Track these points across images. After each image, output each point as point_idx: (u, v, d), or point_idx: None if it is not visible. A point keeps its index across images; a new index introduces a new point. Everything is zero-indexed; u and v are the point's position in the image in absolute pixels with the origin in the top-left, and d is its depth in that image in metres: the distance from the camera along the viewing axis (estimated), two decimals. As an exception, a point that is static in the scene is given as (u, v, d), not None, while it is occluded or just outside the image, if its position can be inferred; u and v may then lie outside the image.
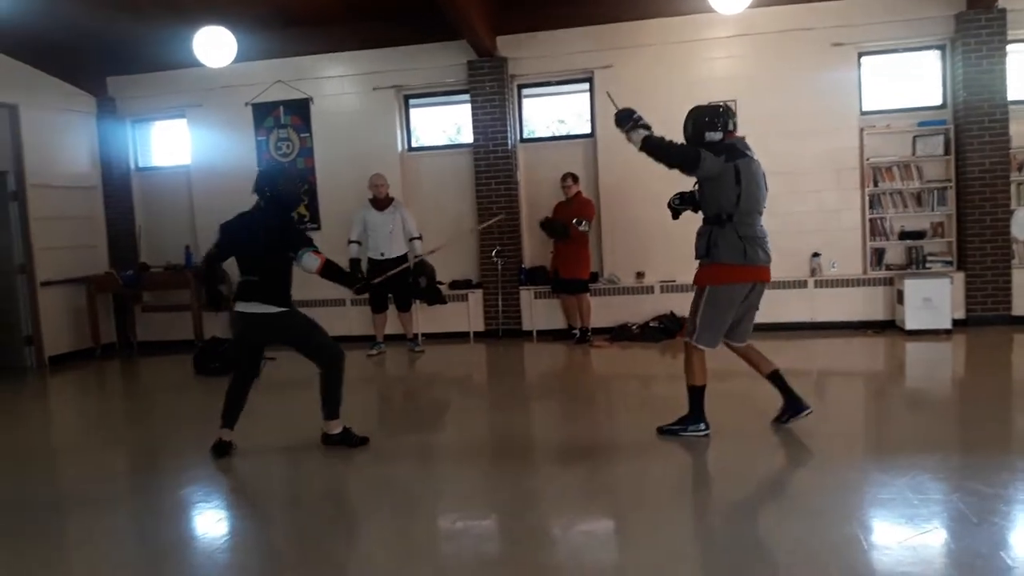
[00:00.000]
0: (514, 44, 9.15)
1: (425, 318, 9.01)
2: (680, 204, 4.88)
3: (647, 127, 4.54)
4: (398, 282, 8.30)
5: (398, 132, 9.56)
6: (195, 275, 9.30)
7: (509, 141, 9.16)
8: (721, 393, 5.18)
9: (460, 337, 9.28)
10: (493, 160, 9.11)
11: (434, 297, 8.47)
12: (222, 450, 4.77)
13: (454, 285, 9.32)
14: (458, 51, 9.09)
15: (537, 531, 3.49)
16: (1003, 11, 8.03)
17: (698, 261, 4.61)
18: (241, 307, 4.61)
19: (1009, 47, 8.10)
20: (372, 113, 9.53)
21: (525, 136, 9.53)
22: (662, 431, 4.77)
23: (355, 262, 8.39)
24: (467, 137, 9.42)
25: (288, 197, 4.74)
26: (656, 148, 4.48)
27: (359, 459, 4.72)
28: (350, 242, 8.45)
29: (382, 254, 8.30)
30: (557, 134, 9.68)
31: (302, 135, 9.69)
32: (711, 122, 4.50)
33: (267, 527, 3.85)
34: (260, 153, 9.80)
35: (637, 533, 3.43)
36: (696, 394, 4.69)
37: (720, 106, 4.64)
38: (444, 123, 10.00)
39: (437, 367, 8.19)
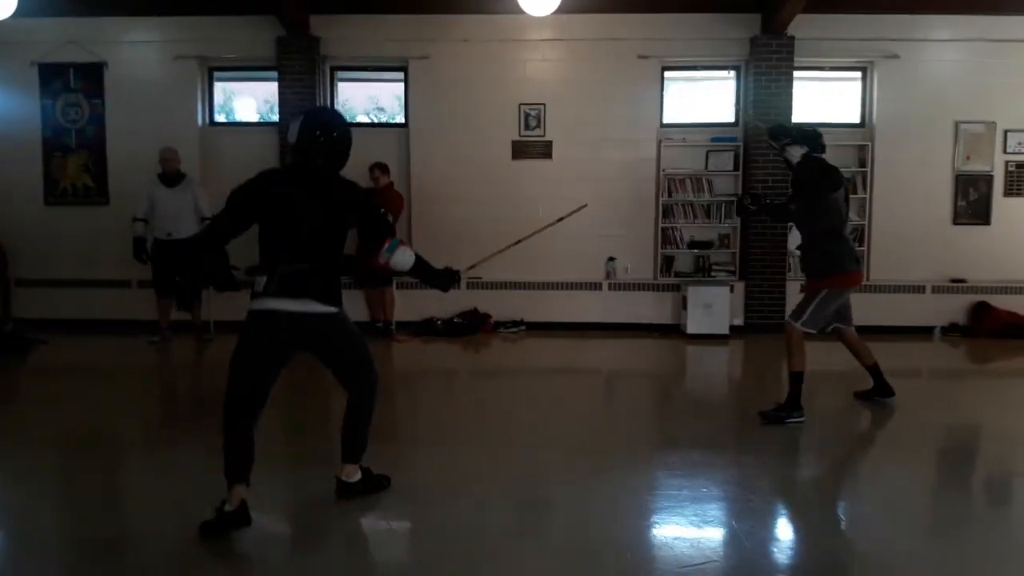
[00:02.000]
0: (328, 24, 8.86)
1: (223, 307, 8.59)
2: (753, 206, 5.34)
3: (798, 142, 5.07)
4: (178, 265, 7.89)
5: (199, 105, 9.04)
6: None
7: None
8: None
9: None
10: (301, 143, 8.79)
11: (225, 282, 8.07)
12: (233, 521, 3.20)
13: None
14: (268, 26, 8.70)
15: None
16: (792, 38, 8.54)
17: (817, 271, 5.01)
18: (280, 305, 3.22)
19: (796, 73, 8.63)
20: (172, 83, 8.96)
21: (338, 121, 9.25)
22: (766, 418, 4.94)
23: (139, 240, 7.90)
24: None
25: (347, 151, 3.41)
26: (814, 163, 4.97)
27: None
28: (135, 220, 7.91)
29: (169, 234, 7.82)
30: (372, 121, 9.48)
31: (92, 101, 8.97)
32: (819, 144, 4.99)
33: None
34: (46, 118, 9.01)
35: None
36: (796, 380, 4.94)
37: (817, 130, 5.10)
38: (255, 100, 9.58)
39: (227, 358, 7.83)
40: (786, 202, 5.25)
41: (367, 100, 9.71)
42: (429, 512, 3.59)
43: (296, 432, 5.05)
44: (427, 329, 8.61)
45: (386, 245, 3.44)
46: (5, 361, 7.25)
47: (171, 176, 7.95)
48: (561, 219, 5.03)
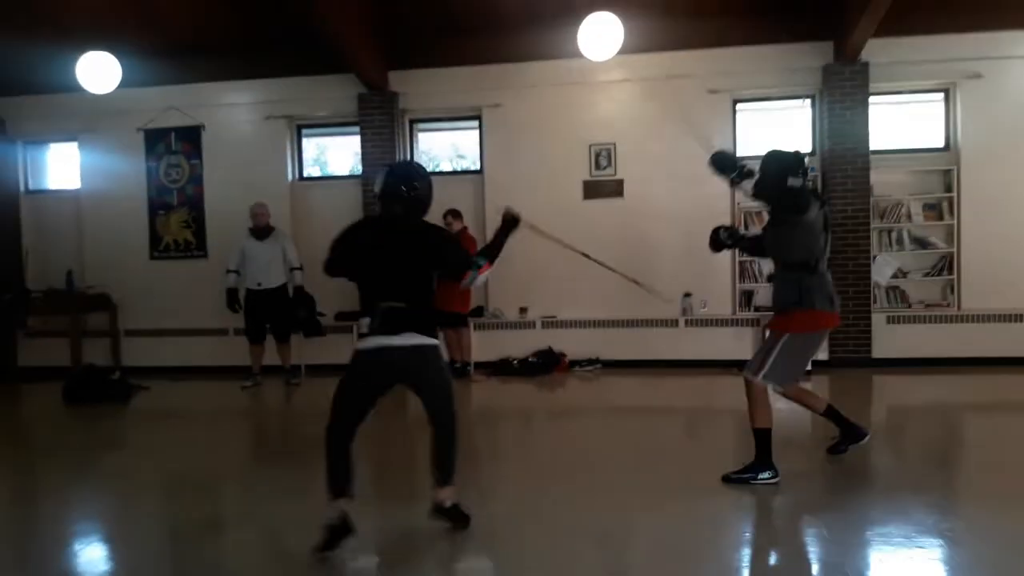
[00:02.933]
0: (405, 79, 9.30)
1: (308, 350, 9.01)
2: (730, 240, 4.78)
3: (751, 173, 4.49)
4: (276, 312, 8.36)
5: (288, 161, 9.61)
6: (74, 300, 9.20)
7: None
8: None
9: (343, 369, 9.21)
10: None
11: (312, 328, 8.49)
12: (339, 532, 3.51)
13: (339, 316, 9.32)
14: (349, 84, 9.19)
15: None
16: (866, 64, 8.40)
17: (780, 309, 4.49)
18: (385, 341, 3.58)
19: (871, 99, 8.47)
20: (263, 142, 9.57)
21: (417, 170, 9.62)
22: (729, 480, 4.49)
23: (232, 291, 8.39)
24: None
25: (428, 200, 3.77)
26: (771, 190, 4.38)
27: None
28: (228, 271, 8.43)
29: (259, 284, 8.31)
30: (451, 168, 9.81)
31: (192, 162, 9.67)
32: (794, 168, 4.36)
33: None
34: (150, 179, 9.76)
35: None
36: (763, 438, 4.48)
37: (798, 152, 4.51)
38: (341, 154, 10.08)
39: (315, 400, 8.18)
40: (762, 233, 4.74)
41: (448, 148, 10.06)
42: (516, 551, 3.66)
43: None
44: (503, 369, 8.76)
45: (465, 279, 3.73)
46: (112, 406, 7.76)
47: (261, 230, 8.44)
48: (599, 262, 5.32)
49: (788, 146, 4.54)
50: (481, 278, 3.75)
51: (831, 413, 4.82)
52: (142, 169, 9.78)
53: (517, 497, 4.45)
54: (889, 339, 8.49)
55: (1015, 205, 8.39)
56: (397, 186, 3.66)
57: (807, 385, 4.78)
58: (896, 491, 4.33)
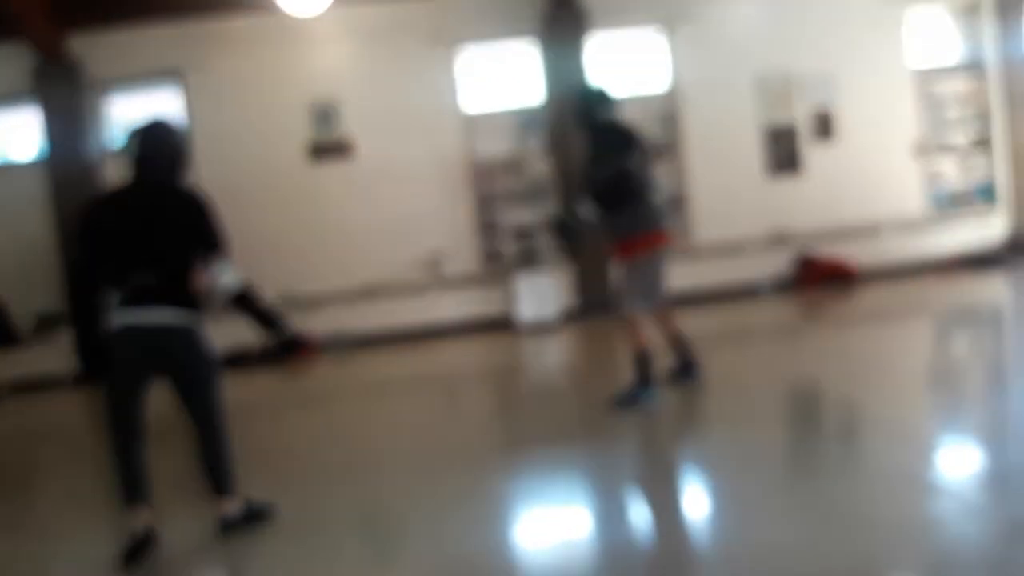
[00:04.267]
0: (89, 44, 8.04)
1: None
2: (575, 221, 4.92)
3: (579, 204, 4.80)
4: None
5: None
6: None
7: (92, 152, 8.06)
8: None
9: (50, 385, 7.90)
10: (74, 177, 7.85)
11: (4, 337, 7.30)
12: (144, 544, 3.11)
13: (41, 322, 8.02)
14: (20, 56, 7.82)
15: None
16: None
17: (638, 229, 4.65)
18: (130, 319, 3.19)
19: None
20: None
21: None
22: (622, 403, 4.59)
23: None
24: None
25: (187, 159, 3.43)
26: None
27: None
28: None
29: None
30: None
31: None
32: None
33: None
34: None
35: None
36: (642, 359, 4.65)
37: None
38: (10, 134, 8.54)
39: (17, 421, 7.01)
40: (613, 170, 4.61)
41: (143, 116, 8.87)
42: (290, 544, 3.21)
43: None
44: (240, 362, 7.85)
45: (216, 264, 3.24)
46: None
47: None
48: None
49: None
50: (230, 272, 3.26)
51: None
52: None
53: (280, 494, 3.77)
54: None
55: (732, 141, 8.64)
56: (157, 146, 3.27)
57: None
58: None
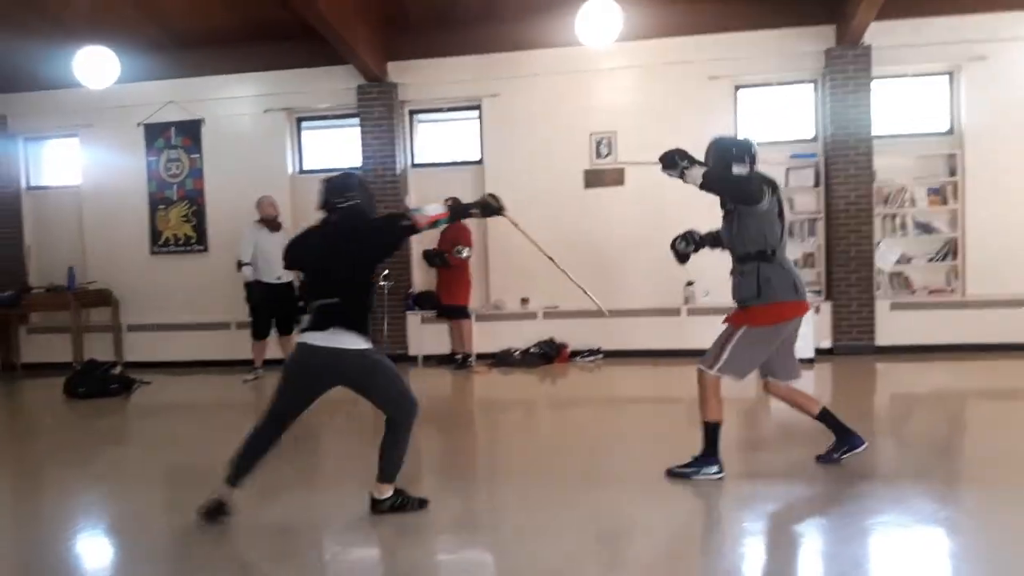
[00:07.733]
0: (405, 70, 9.25)
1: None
2: (690, 248, 4.70)
3: (702, 163, 4.20)
4: (284, 306, 8.32)
5: (288, 154, 9.58)
6: (75, 296, 9.24)
7: (398, 166, 9.23)
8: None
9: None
10: (382, 184, 9.11)
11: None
12: (219, 511, 3.85)
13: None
14: (348, 75, 9.14)
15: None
16: (868, 48, 8.31)
17: (740, 303, 4.28)
18: (310, 339, 3.77)
19: (874, 83, 8.37)
20: (263, 135, 9.55)
21: (417, 161, 9.60)
22: (672, 473, 4.32)
23: (251, 285, 8.24)
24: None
25: (367, 205, 3.92)
26: (718, 182, 4.13)
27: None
28: (243, 264, 8.22)
29: (279, 277, 8.21)
30: (449, 160, 9.74)
31: (192, 156, 9.66)
32: (739, 155, 4.21)
33: None
34: (150, 174, 9.75)
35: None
36: (711, 431, 4.30)
37: (745, 139, 4.39)
38: (340, 146, 10.01)
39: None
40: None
41: (448, 138, 9.97)
42: (507, 545, 3.60)
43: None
44: (505, 360, 8.72)
45: (420, 225, 3.75)
46: (112, 401, 7.75)
47: (273, 222, 8.36)
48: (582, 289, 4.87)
49: (739, 134, 4.39)
50: (427, 208, 3.81)
51: (825, 417, 4.45)
52: (142, 164, 9.77)
53: (514, 491, 4.39)
54: (893, 326, 8.40)
55: (1019, 189, 8.27)
56: (331, 198, 3.84)
57: (802, 383, 4.58)
58: (896, 479, 4.26)
